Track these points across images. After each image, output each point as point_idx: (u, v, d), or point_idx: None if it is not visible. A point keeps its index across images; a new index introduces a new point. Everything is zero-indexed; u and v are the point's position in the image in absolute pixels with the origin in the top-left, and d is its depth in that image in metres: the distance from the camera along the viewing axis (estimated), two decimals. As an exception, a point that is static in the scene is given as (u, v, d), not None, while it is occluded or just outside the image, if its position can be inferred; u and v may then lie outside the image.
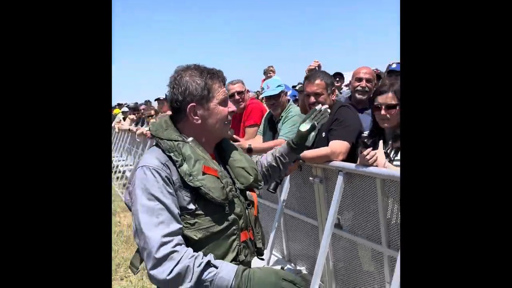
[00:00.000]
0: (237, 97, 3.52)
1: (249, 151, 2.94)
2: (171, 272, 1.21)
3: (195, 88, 1.40)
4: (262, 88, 3.60)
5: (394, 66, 3.61)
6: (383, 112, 2.16)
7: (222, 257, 1.35)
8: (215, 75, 1.46)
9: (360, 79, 3.09)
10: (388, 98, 2.16)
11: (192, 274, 1.22)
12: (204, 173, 1.35)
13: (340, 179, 2.31)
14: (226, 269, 1.26)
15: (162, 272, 1.22)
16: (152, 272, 1.23)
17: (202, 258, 1.26)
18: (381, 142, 2.14)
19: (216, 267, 1.25)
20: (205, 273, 1.24)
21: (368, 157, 2.04)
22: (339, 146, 2.40)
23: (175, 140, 1.39)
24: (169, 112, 1.54)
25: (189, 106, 1.41)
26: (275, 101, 3.18)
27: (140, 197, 1.29)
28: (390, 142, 2.20)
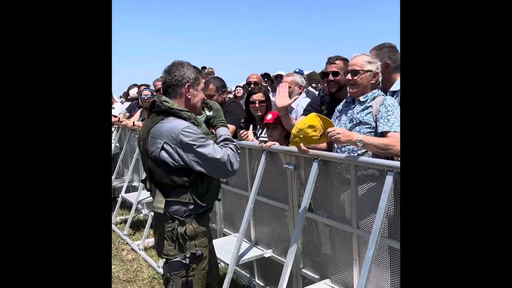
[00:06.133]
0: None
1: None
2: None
3: (190, 74, 2.12)
4: None
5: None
6: (256, 105, 3.30)
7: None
8: (198, 69, 2.22)
9: (249, 83, 4.43)
10: (259, 96, 3.29)
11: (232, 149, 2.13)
12: (211, 132, 2.20)
13: (314, 165, 2.48)
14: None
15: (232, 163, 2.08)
16: (230, 169, 2.07)
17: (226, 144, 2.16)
18: (251, 125, 3.31)
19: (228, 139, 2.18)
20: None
21: (242, 135, 3.17)
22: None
23: (187, 111, 2.07)
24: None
25: (187, 85, 2.10)
26: None
27: (196, 143, 1.97)
28: (258, 126, 3.33)
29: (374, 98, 2.42)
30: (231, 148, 2.11)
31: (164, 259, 2.11)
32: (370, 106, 2.40)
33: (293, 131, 2.24)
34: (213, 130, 2.27)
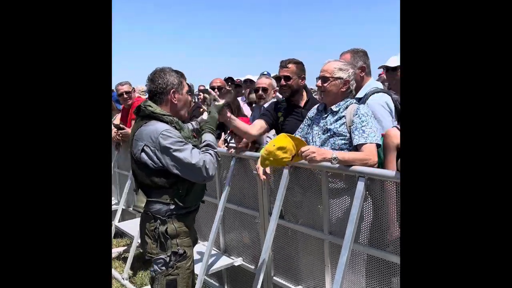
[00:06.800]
0: (125, 96, 4.49)
1: None
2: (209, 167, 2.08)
3: (173, 80, 2.16)
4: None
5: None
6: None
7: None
8: (181, 73, 2.28)
9: (213, 88, 4.20)
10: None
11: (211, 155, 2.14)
12: (194, 137, 2.24)
13: (285, 172, 2.46)
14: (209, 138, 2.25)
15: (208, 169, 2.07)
16: (205, 175, 2.06)
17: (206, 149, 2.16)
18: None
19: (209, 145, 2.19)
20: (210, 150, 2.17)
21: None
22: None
23: (169, 115, 2.11)
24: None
25: (172, 91, 2.14)
26: None
27: (173, 147, 2.00)
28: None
29: (347, 107, 2.36)
30: (210, 154, 2.12)
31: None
32: (344, 116, 2.34)
33: (263, 153, 2.17)
34: (195, 134, 2.32)
